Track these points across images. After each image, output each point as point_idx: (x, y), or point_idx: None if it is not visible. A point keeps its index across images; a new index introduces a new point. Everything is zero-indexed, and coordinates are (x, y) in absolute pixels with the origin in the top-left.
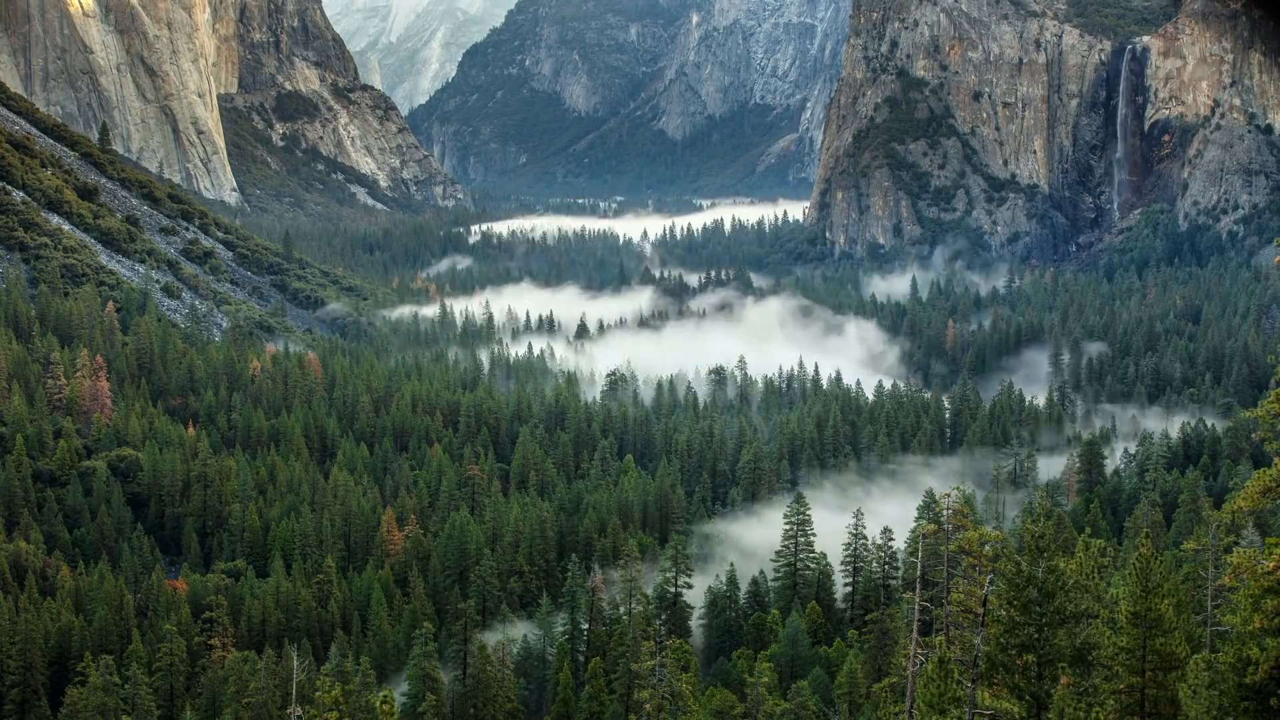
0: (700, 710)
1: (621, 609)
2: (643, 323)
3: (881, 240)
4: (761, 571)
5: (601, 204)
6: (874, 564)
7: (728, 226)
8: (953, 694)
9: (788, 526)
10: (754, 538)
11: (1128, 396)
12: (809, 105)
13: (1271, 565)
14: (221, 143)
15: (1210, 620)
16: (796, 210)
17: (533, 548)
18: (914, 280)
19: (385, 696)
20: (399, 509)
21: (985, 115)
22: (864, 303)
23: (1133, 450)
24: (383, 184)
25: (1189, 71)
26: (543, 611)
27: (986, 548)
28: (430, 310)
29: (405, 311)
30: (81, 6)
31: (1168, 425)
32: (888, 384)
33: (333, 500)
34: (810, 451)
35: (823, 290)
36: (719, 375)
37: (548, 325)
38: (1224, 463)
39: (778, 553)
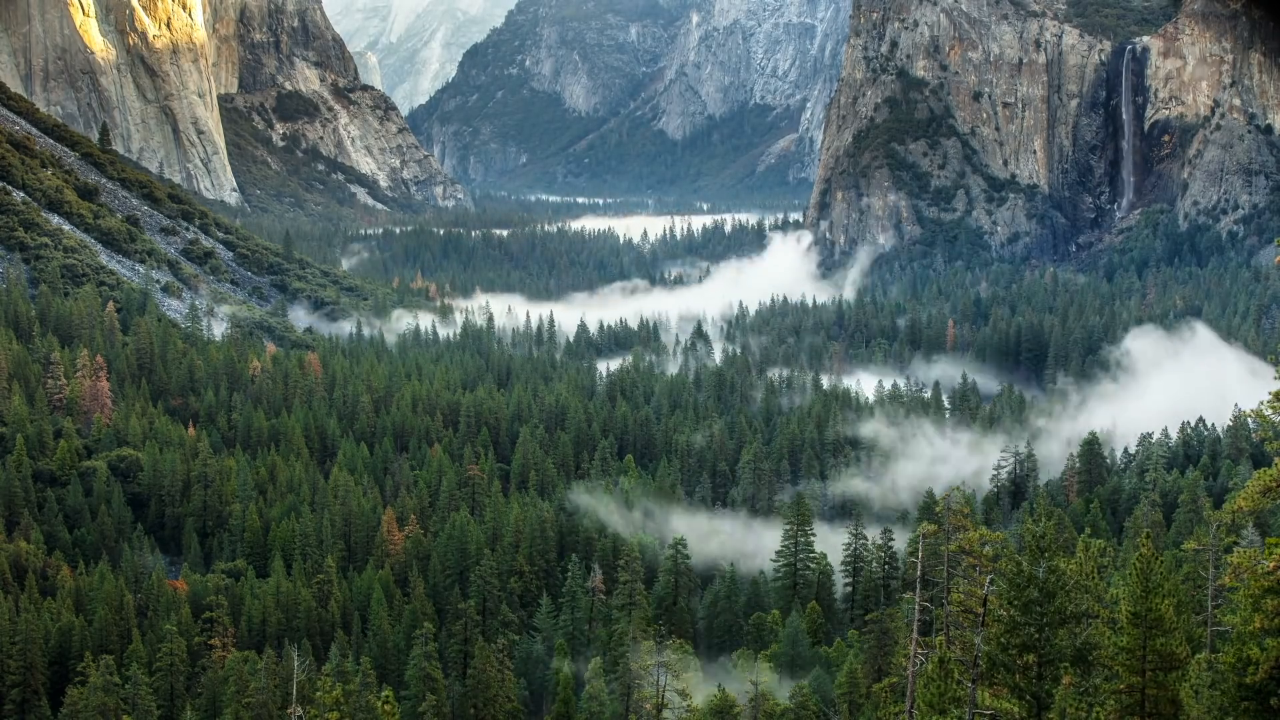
0: (700, 710)
1: (621, 609)
2: (642, 322)
3: (881, 240)
4: (761, 572)
5: (601, 203)
6: (874, 564)
7: (728, 226)
8: (953, 694)
9: (788, 526)
10: None
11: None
12: (809, 105)
13: (1271, 565)
14: (221, 143)
15: (1210, 620)
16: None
17: (533, 548)
18: (914, 280)
19: (386, 697)
20: (399, 509)
21: (985, 115)
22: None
23: (1133, 450)
24: (383, 184)
25: (1189, 71)
26: (543, 611)
27: (986, 548)
28: (430, 310)
29: (405, 311)
30: (81, 6)
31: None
32: (887, 384)
33: (333, 500)
34: (810, 451)
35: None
36: (720, 375)
37: (548, 325)
38: (1224, 463)
39: (777, 553)
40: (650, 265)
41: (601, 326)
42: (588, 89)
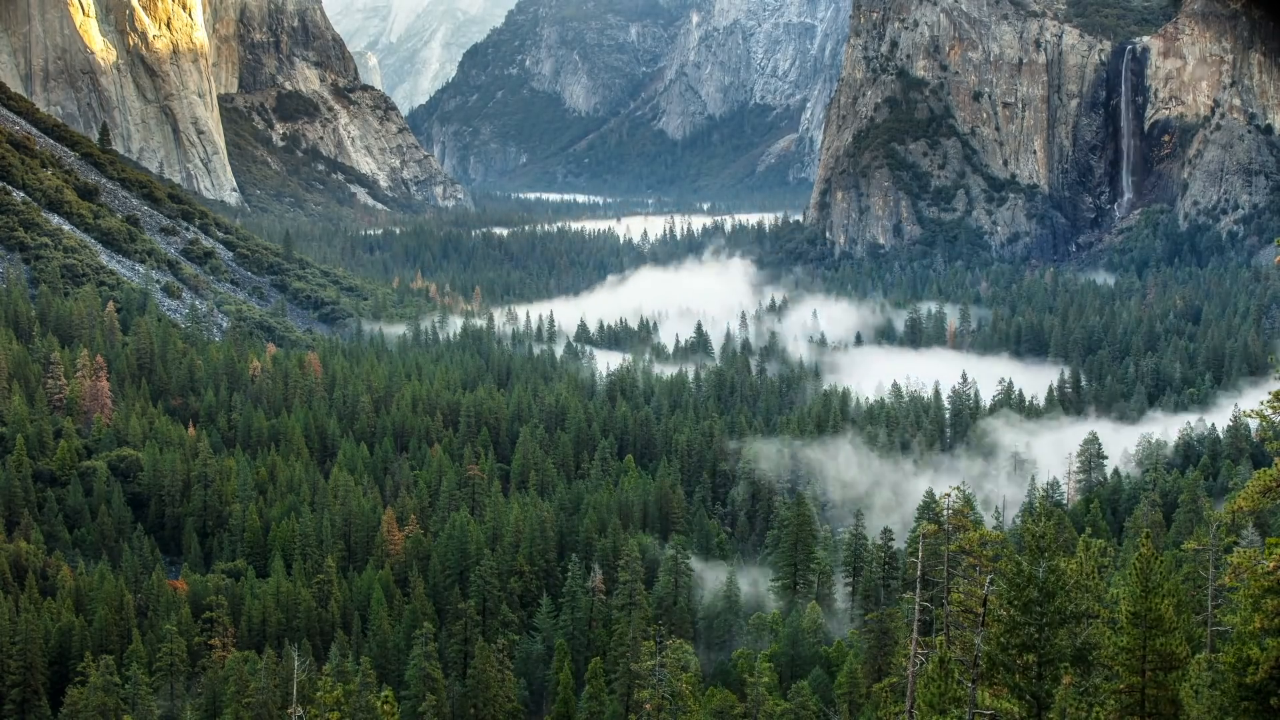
0: (700, 710)
1: (621, 609)
2: (642, 322)
3: (881, 240)
4: (762, 570)
5: (601, 203)
6: (874, 564)
7: (728, 226)
8: (953, 694)
9: (787, 526)
10: None
11: (1127, 397)
12: (809, 105)
13: (1271, 565)
14: (221, 143)
15: (1210, 620)
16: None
17: (533, 548)
18: (914, 280)
19: (385, 697)
20: (399, 509)
21: (985, 115)
22: (863, 302)
23: (1132, 450)
24: (383, 184)
25: (1189, 71)
26: (543, 611)
27: (986, 548)
28: (430, 311)
29: (405, 312)
30: (81, 6)
31: (1168, 425)
32: (888, 383)
33: (333, 500)
34: (810, 451)
35: (823, 290)
36: (719, 375)
37: (548, 325)
38: (1224, 463)
39: (778, 553)
40: (650, 265)
41: (601, 325)
42: (588, 89)
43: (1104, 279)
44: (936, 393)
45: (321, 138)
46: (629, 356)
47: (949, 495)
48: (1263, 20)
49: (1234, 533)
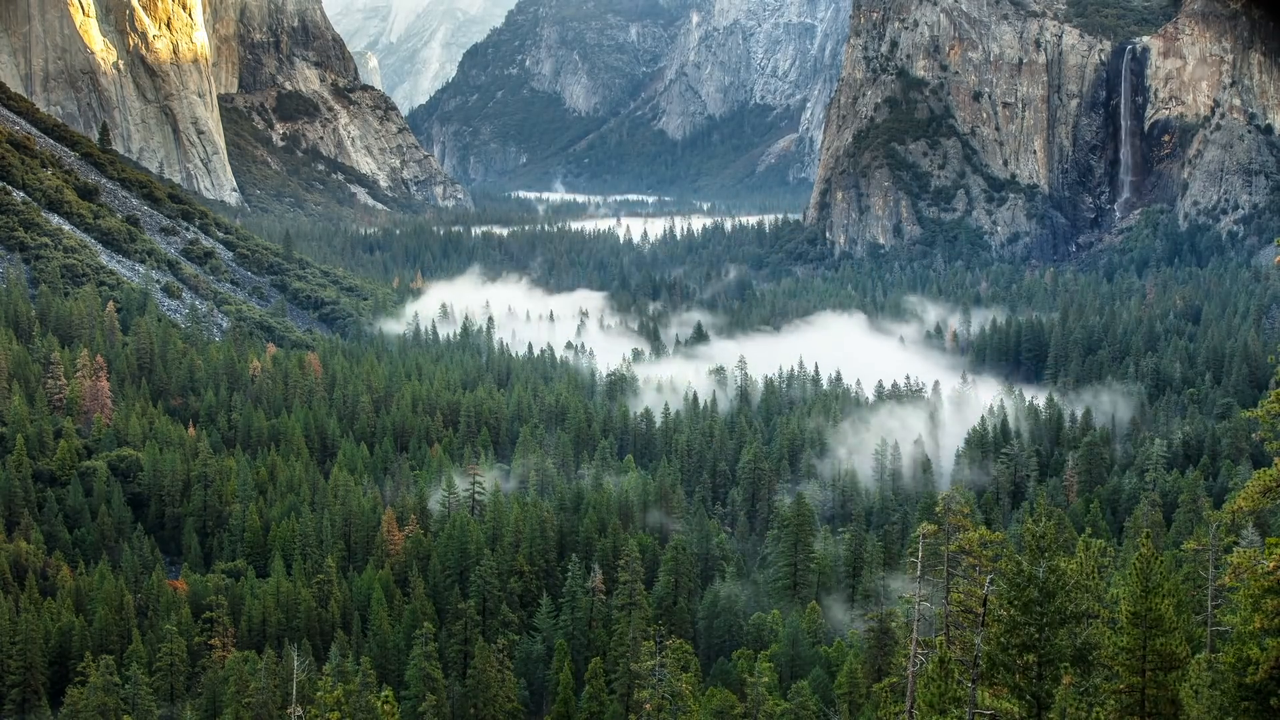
0: (700, 710)
1: (621, 609)
2: (642, 323)
3: (881, 240)
4: (761, 570)
5: (601, 203)
6: (874, 564)
7: (728, 226)
8: (953, 694)
9: (787, 526)
10: None
11: (1128, 397)
12: (809, 105)
13: (1271, 565)
14: (221, 143)
15: (1210, 620)
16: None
17: (533, 548)
18: (914, 280)
19: (386, 697)
20: (399, 509)
21: (985, 115)
22: (863, 303)
23: (1132, 450)
24: (383, 184)
25: (1189, 71)
26: (543, 611)
27: (987, 548)
28: (430, 310)
29: (405, 312)
30: (81, 6)
31: (1168, 426)
32: (887, 383)
33: (333, 500)
34: (810, 451)
35: (823, 290)
36: (719, 375)
37: (548, 326)
38: (1224, 463)
39: (777, 553)
40: (650, 266)
41: (601, 325)
42: (588, 89)
43: (1103, 279)
44: (936, 392)
45: (321, 138)
46: (628, 354)
47: (949, 495)
48: (1263, 20)
49: (1234, 533)
